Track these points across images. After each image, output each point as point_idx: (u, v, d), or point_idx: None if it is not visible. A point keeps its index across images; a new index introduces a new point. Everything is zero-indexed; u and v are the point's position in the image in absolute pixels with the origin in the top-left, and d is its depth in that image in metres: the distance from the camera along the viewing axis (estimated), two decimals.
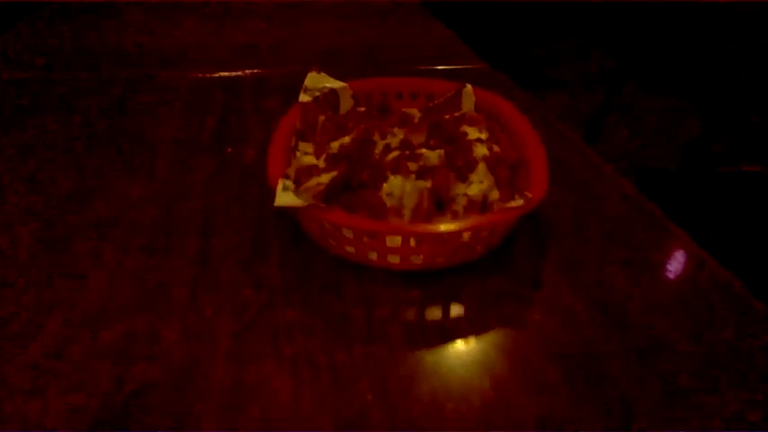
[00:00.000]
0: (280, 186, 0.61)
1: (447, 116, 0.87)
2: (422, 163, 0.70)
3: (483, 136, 0.81)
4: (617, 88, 2.49)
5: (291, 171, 0.69)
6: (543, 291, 0.62)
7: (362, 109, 0.87)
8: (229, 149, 0.86)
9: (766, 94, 2.07)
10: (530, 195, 0.62)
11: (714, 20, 2.04)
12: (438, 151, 0.71)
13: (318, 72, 0.87)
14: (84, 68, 1.12)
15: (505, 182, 0.71)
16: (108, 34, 1.27)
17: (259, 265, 0.64)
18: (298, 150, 0.77)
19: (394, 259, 0.62)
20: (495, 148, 0.79)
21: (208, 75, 1.11)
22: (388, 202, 0.66)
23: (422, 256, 0.62)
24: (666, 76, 2.49)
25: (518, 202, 0.61)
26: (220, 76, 1.11)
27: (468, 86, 0.87)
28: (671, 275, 0.66)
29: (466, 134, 0.80)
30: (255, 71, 1.13)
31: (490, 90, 0.86)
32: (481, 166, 0.69)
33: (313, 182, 0.67)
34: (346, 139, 0.73)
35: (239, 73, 1.12)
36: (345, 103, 0.88)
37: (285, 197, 0.60)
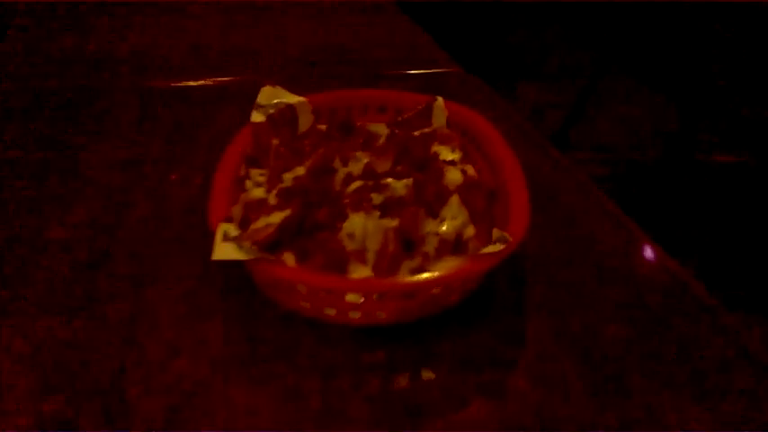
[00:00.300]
0: (219, 235, 0.52)
1: (417, 133, 0.78)
2: (388, 194, 0.62)
3: (456, 156, 0.73)
4: (597, 78, 2.42)
5: (237, 209, 0.60)
6: (527, 349, 0.54)
7: (323, 127, 0.78)
8: (173, 176, 0.77)
9: (749, 86, 2.01)
10: (509, 238, 0.54)
11: (694, 13, 1.97)
12: (405, 181, 0.63)
13: (273, 86, 0.78)
14: (22, 77, 1.01)
15: (482, 214, 0.63)
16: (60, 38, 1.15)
17: (199, 324, 0.55)
18: (248, 179, 0.68)
19: (355, 315, 0.54)
20: (470, 171, 0.71)
21: (162, 83, 1.01)
22: (349, 246, 0.57)
23: (386, 313, 0.54)
24: (646, 67, 2.41)
25: (496, 247, 0.53)
26: (175, 86, 1.01)
27: (440, 100, 0.79)
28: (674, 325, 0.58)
29: (437, 156, 0.72)
30: (213, 80, 1.03)
31: (465, 96, 0.77)
32: (454, 200, 0.60)
33: (262, 222, 0.58)
34: (300, 170, 0.65)
35: (196, 82, 1.02)
36: (305, 120, 0.79)
37: (225, 249, 0.51)
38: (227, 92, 0.99)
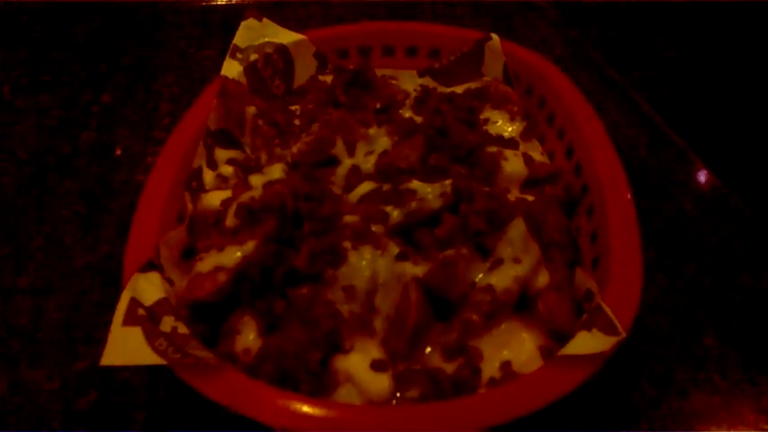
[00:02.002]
0: (122, 307, 0.31)
1: (460, 89, 0.54)
2: (413, 207, 0.39)
3: (516, 129, 0.50)
4: None
5: (177, 235, 0.38)
6: None
7: (328, 78, 0.55)
8: (119, 151, 0.55)
9: None
10: (613, 319, 0.31)
11: None
12: (441, 185, 0.40)
13: (259, 18, 0.55)
14: None
15: (559, 242, 0.40)
16: None
17: None
18: (211, 168, 0.46)
19: None
20: (537, 156, 0.48)
21: (122, 4, 0.77)
22: (347, 307, 0.35)
23: None
24: None
25: (593, 341, 0.30)
26: (139, 6, 0.77)
27: (495, 38, 0.54)
28: None
29: (488, 132, 0.48)
30: (196, 3, 0.79)
31: (531, 31, 0.53)
32: (517, 227, 0.37)
33: (208, 264, 0.37)
34: (278, 171, 0.42)
35: (163, 3, 0.78)
36: (303, 67, 0.56)
37: (123, 345, 0.30)
38: (208, 19, 0.75)
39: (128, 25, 0.74)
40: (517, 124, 0.51)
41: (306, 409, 0.28)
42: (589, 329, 0.31)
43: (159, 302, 0.32)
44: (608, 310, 0.32)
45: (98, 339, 0.41)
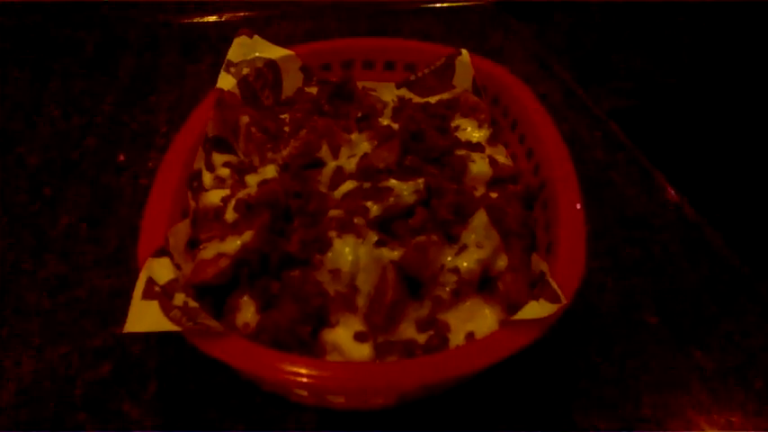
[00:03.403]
0: (140, 286, 0.36)
1: (434, 99, 0.60)
2: (390, 202, 0.45)
3: (483, 135, 0.56)
4: None
5: (184, 227, 0.44)
6: None
7: (313, 90, 0.61)
8: (122, 157, 0.60)
9: None
10: (559, 292, 0.37)
11: None
12: (414, 183, 0.46)
13: (251, 35, 0.60)
14: None
15: (517, 232, 0.46)
16: None
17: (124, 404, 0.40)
18: (209, 171, 0.51)
19: (337, 399, 0.39)
20: (502, 159, 0.54)
21: (119, 20, 0.82)
22: (333, 287, 0.41)
23: (381, 400, 0.38)
24: None
25: (541, 307, 0.36)
26: (137, 21, 0.82)
27: (465, 54, 0.60)
28: None
29: (458, 139, 0.54)
30: (187, 19, 0.84)
31: (494, 40, 0.59)
32: (480, 218, 0.43)
33: (211, 251, 0.42)
34: (271, 170, 0.48)
35: (158, 20, 0.83)
36: (291, 80, 0.62)
37: (143, 315, 0.35)
38: (200, 34, 0.80)
39: (126, 40, 0.79)
40: (484, 131, 0.57)
41: (300, 365, 0.33)
42: (537, 300, 0.37)
43: (171, 282, 0.38)
44: (553, 283, 0.37)
45: (109, 322, 0.46)
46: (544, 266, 0.41)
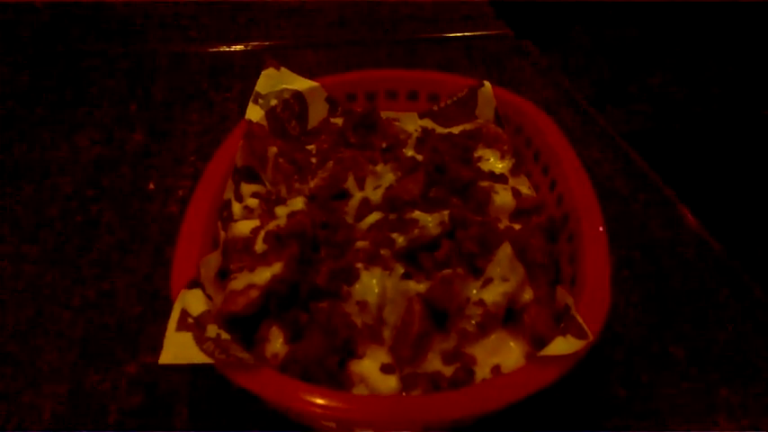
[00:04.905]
0: (174, 318, 0.37)
1: (456, 129, 0.61)
2: (415, 233, 0.45)
3: (506, 166, 0.57)
4: None
5: (215, 258, 0.45)
6: None
7: (338, 121, 0.62)
8: (152, 185, 0.62)
9: None
10: (584, 326, 0.37)
11: None
12: (439, 215, 0.46)
13: (278, 67, 0.61)
14: None
15: (542, 264, 0.46)
16: None
17: None
18: (238, 201, 0.52)
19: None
20: (524, 190, 0.54)
21: (148, 47, 0.85)
22: (360, 319, 0.42)
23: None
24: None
25: (567, 344, 0.36)
26: (166, 50, 0.84)
27: (487, 86, 0.61)
28: None
29: (481, 169, 0.55)
30: (213, 47, 0.86)
31: (514, 68, 0.60)
32: (505, 251, 0.44)
33: (242, 282, 0.43)
34: (299, 203, 0.49)
35: (187, 49, 0.85)
36: (316, 111, 0.63)
37: (178, 347, 0.36)
38: (228, 62, 0.82)
39: (154, 69, 0.81)
40: (507, 161, 0.57)
41: (329, 398, 0.34)
42: (564, 335, 0.37)
43: (203, 314, 0.39)
44: (579, 319, 0.38)
45: (141, 347, 0.47)
46: (569, 300, 0.41)
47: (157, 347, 0.35)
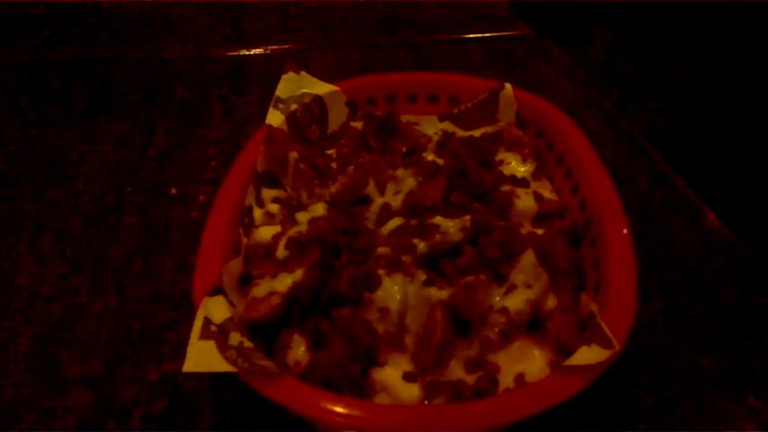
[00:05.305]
0: (198, 326, 0.37)
1: (477, 132, 0.61)
2: (436, 239, 0.45)
3: (528, 169, 0.56)
4: None
5: (236, 264, 0.45)
6: None
7: (358, 125, 0.62)
8: (174, 190, 0.62)
9: None
10: (609, 335, 0.37)
11: None
12: (461, 220, 0.46)
13: (297, 71, 0.61)
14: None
15: (565, 270, 0.46)
16: None
17: None
18: (259, 207, 0.52)
19: None
20: (547, 194, 0.54)
21: (167, 55, 0.85)
22: (381, 326, 0.41)
23: None
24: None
25: (592, 353, 0.36)
26: (186, 55, 0.85)
27: (508, 88, 0.61)
28: None
29: (502, 173, 0.54)
30: (233, 51, 0.86)
31: (536, 69, 0.59)
32: (528, 258, 0.43)
33: (263, 289, 0.43)
34: (320, 209, 0.48)
35: (206, 54, 0.85)
36: (336, 115, 0.63)
37: (201, 355, 0.36)
38: (249, 68, 0.83)
39: (173, 74, 0.82)
40: (528, 165, 0.57)
41: (352, 407, 0.34)
42: (589, 345, 0.37)
43: (226, 321, 0.39)
44: (605, 327, 0.37)
45: (164, 355, 0.48)
46: (594, 307, 0.41)
47: (181, 354, 0.35)
